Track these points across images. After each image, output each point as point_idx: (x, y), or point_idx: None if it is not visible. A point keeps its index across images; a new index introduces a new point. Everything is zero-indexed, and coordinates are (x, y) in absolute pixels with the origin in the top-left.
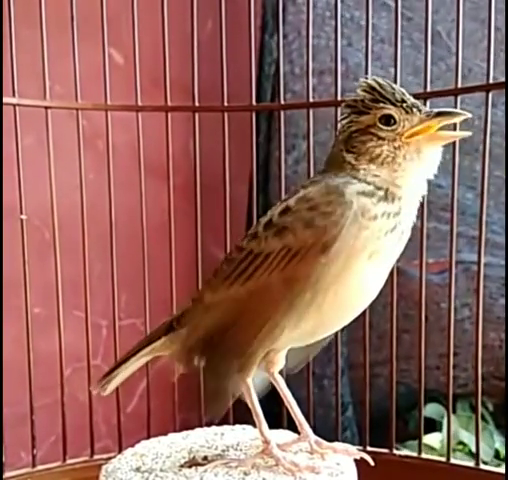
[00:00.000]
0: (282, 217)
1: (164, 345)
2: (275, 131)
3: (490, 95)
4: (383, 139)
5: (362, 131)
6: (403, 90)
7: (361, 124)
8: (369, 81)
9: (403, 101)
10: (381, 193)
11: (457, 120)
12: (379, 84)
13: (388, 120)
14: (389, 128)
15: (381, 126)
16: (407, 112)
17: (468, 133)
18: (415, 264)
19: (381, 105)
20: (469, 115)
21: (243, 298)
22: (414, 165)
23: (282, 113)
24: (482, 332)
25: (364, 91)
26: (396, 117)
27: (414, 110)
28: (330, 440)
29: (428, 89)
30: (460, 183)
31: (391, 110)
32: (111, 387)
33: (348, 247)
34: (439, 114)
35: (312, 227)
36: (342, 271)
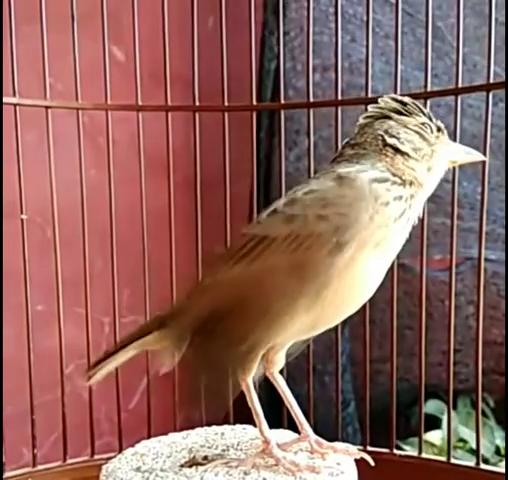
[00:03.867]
0: (289, 206)
1: (156, 340)
2: (277, 127)
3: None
4: (425, 139)
5: (405, 127)
6: None
7: (402, 121)
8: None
9: (431, 119)
10: (397, 179)
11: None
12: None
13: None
14: (431, 133)
15: (425, 128)
16: (438, 130)
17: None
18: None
19: (421, 115)
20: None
21: (246, 282)
22: (439, 171)
23: (283, 111)
24: (486, 328)
25: (402, 103)
26: (433, 128)
27: (441, 133)
28: (331, 437)
29: (428, 89)
30: (471, 177)
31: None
32: (97, 377)
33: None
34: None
35: (325, 220)
36: (348, 262)
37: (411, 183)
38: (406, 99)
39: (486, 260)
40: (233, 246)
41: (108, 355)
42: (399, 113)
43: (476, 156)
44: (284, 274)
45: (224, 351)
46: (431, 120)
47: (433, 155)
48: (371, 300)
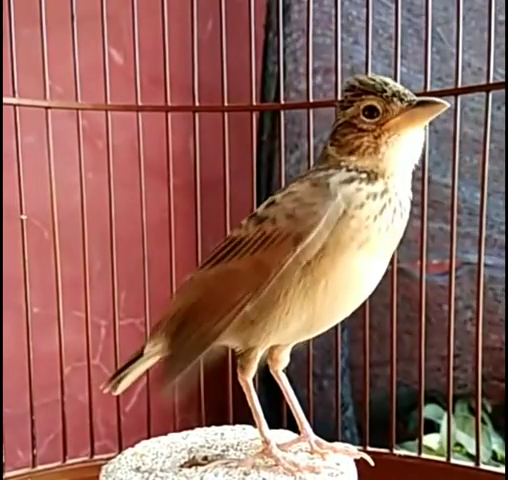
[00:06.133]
0: (266, 209)
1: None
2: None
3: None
4: (364, 130)
5: (346, 124)
6: (386, 80)
7: (346, 117)
8: (351, 78)
9: (383, 91)
10: (364, 175)
11: (439, 110)
12: (359, 79)
13: (371, 111)
14: (371, 120)
15: (363, 118)
16: (388, 102)
17: (447, 105)
18: (419, 265)
19: (363, 97)
20: (449, 105)
21: (210, 279)
22: (396, 149)
23: (285, 112)
24: (484, 334)
25: (348, 88)
26: (378, 107)
27: (394, 99)
28: (330, 440)
29: (428, 89)
30: (469, 183)
31: (372, 100)
32: (122, 386)
33: (332, 239)
34: (420, 103)
35: (291, 217)
36: (331, 263)
37: (376, 176)
38: (353, 81)
39: (483, 265)
40: (215, 248)
41: (128, 363)
42: (344, 107)
43: (436, 107)
44: (245, 274)
45: (192, 345)
46: (376, 94)
47: (378, 142)
48: (370, 304)
